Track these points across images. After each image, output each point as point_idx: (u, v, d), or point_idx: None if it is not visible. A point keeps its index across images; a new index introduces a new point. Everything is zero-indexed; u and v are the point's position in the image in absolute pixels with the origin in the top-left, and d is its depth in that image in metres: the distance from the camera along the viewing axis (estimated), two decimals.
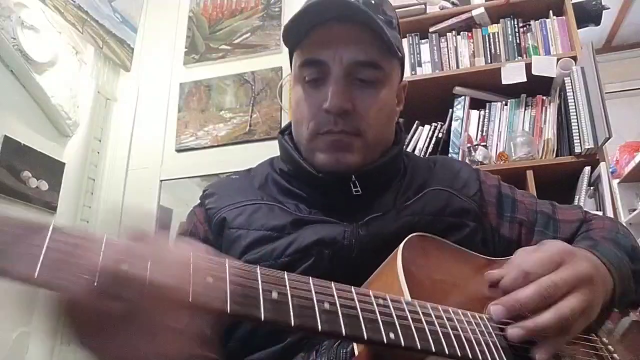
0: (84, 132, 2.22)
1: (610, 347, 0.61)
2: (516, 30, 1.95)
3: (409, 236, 0.58)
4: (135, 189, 2.29)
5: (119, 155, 2.36)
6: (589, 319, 0.54)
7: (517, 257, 0.58)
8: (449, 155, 1.82)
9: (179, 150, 2.29)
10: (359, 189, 0.71)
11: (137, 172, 2.32)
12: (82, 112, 2.20)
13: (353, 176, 0.71)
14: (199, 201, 0.81)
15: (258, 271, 0.39)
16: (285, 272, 0.41)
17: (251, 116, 2.24)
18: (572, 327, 0.51)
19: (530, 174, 1.67)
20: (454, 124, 1.87)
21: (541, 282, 0.51)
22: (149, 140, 2.35)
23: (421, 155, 1.83)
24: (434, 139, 1.88)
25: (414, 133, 1.90)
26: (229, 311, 0.36)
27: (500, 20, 1.97)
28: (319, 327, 0.39)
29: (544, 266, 0.53)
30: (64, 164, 2.09)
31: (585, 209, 0.82)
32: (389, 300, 0.45)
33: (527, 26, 1.95)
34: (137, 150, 2.36)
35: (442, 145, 1.87)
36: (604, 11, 2.03)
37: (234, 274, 0.38)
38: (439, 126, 1.90)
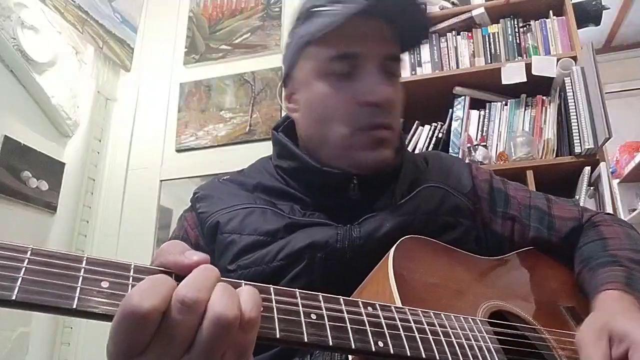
0: (84, 132, 2.22)
1: None
2: (516, 30, 1.95)
3: (401, 239, 0.57)
4: (135, 189, 2.29)
5: (119, 155, 2.36)
6: None
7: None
8: None
9: (179, 150, 2.29)
10: (357, 192, 0.68)
11: (137, 172, 2.32)
12: (82, 112, 2.20)
13: (354, 179, 0.68)
14: (189, 204, 0.78)
15: (242, 285, 0.38)
16: (271, 286, 0.40)
17: (251, 116, 2.24)
18: None
19: (530, 174, 1.67)
20: (454, 124, 1.87)
21: None
22: (149, 140, 2.35)
23: None
24: (434, 139, 1.88)
25: (414, 133, 1.90)
26: None
27: (500, 20, 1.97)
28: (305, 339, 0.38)
29: None
30: (64, 164, 2.09)
31: (582, 205, 0.81)
32: (378, 308, 0.44)
33: (527, 26, 1.95)
34: (137, 150, 2.36)
35: (442, 145, 1.87)
36: (604, 11, 2.03)
37: None
38: (439, 126, 1.90)
